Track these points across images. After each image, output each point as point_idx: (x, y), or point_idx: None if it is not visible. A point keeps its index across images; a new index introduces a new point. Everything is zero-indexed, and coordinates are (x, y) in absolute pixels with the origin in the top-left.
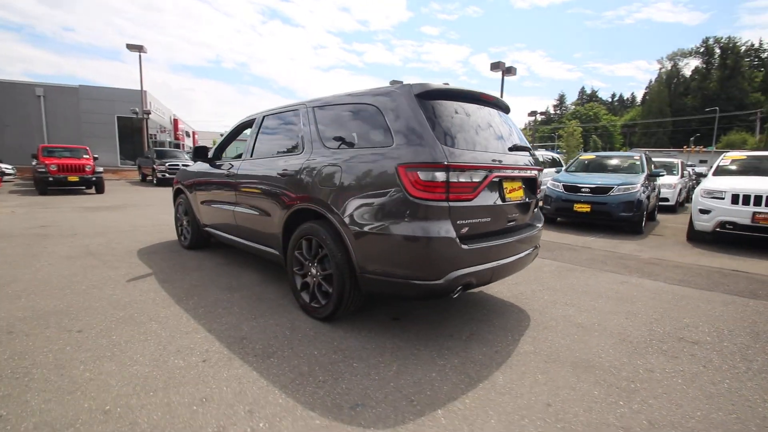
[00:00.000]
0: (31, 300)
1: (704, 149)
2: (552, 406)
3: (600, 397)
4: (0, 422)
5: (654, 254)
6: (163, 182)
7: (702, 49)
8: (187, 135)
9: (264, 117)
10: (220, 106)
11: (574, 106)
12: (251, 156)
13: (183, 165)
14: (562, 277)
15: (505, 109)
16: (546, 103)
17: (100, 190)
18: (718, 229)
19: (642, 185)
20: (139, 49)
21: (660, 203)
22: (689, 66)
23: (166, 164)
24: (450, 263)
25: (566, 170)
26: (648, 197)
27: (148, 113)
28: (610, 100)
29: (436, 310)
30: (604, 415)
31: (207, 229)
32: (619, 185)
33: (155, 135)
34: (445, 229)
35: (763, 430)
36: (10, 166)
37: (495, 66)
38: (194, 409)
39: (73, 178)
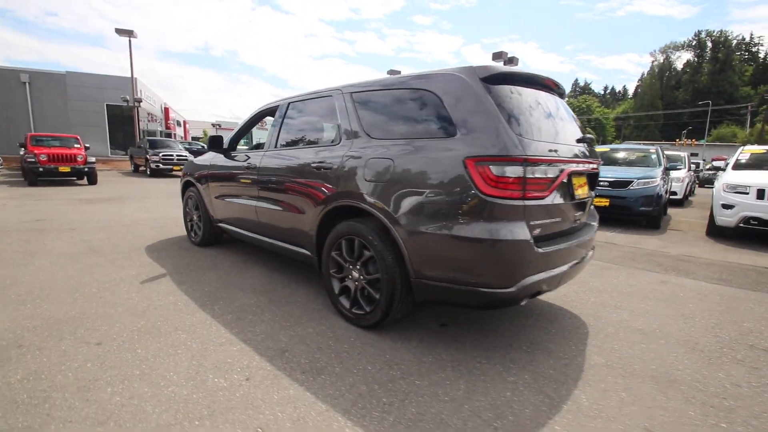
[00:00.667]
0: (38, 306)
1: (696, 142)
2: None
3: (699, 419)
4: None
5: (681, 251)
6: (156, 173)
7: (694, 43)
8: (178, 124)
9: (289, 104)
10: (209, 94)
11: (567, 99)
12: (276, 147)
13: (186, 155)
14: (601, 276)
15: (562, 94)
16: None
17: (92, 181)
18: (741, 225)
19: (661, 179)
20: (129, 33)
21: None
22: (681, 59)
23: (160, 154)
24: (523, 269)
25: None
26: (665, 191)
27: (140, 101)
28: (602, 92)
29: (484, 315)
30: None
31: (221, 225)
32: (639, 179)
33: (146, 123)
34: (520, 230)
35: None
36: None
37: (497, 56)
38: None
39: (65, 169)
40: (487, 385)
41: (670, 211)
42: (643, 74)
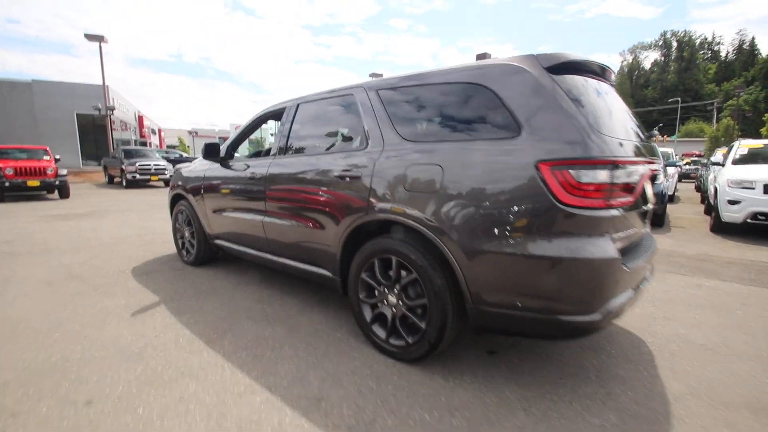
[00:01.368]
0: (9, 351)
1: (667, 138)
2: None
3: None
4: None
5: (695, 249)
6: (133, 184)
7: (660, 43)
8: (153, 132)
9: (299, 105)
10: (184, 102)
11: None
12: (285, 153)
13: (164, 165)
14: None
15: (614, 85)
16: None
17: (64, 194)
18: (749, 221)
19: (663, 175)
20: (99, 39)
21: None
22: (649, 59)
23: (137, 164)
24: (610, 290)
25: None
26: (667, 188)
27: (113, 109)
28: None
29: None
30: None
31: (218, 242)
32: None
33: (119, 131)
34: (608, 246)
35: None
36: None
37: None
38: None
39: (33, 183)
40: None
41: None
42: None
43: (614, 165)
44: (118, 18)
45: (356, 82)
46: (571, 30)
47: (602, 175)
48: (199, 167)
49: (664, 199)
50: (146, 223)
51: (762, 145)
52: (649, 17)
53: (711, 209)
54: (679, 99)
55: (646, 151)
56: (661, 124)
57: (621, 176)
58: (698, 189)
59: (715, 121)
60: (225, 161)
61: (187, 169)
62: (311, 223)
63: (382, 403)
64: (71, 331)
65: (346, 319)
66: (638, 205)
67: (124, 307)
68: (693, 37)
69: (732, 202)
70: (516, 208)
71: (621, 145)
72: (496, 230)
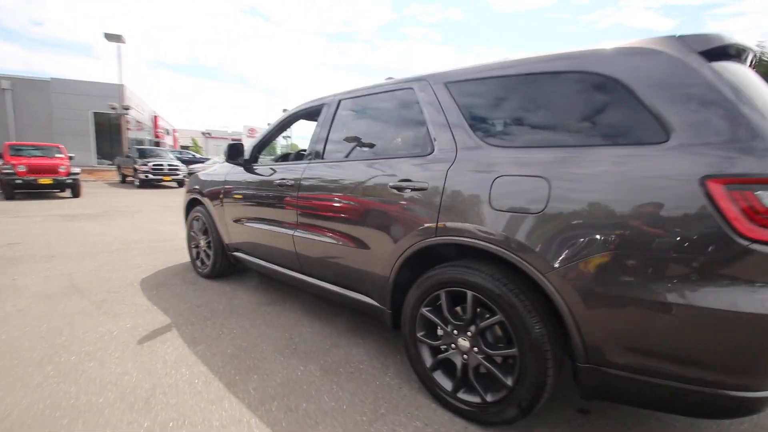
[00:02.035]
0: None
1: None
2: None
3: None
4: None
5: None
6: (146, 184)
7: None
8: (167, 133)
9: (340, 102)
10: (199, 103)
11: None
12: (324, 158)
13: (178, 165)
14: None
15: None
16: None
17: (76, 193)
18: None
19: None
20: (117, 38)
21: None
22: None
23: (150, 164)
24: None
25: None
26: None
27: (128, 109)
28: None
29: None
30: None
31: (238, 254)
32: None
33: (134, 132)
34: None
35: None
36: None
37: None
38: None
39: (46, 181)
40: None
41: None
42: None
43: None
44: (140, 21)
45: (416, 74)
46: (585, 40)
47: None
48: (219, 171)
49: None
50: (158, 226)
51: None
52: (665, 28)
53: None
54: None
55: None
56: None
57: None
58: None
59: None
60: (249, 165)
61: (205, 173)
62: (354, 242)
63: None
64: (67, 364)
65: (392, 356)
66: None
67: (130, 332)
68: None
69: None
70: (668, 241)
71: None
72: (634, 269)
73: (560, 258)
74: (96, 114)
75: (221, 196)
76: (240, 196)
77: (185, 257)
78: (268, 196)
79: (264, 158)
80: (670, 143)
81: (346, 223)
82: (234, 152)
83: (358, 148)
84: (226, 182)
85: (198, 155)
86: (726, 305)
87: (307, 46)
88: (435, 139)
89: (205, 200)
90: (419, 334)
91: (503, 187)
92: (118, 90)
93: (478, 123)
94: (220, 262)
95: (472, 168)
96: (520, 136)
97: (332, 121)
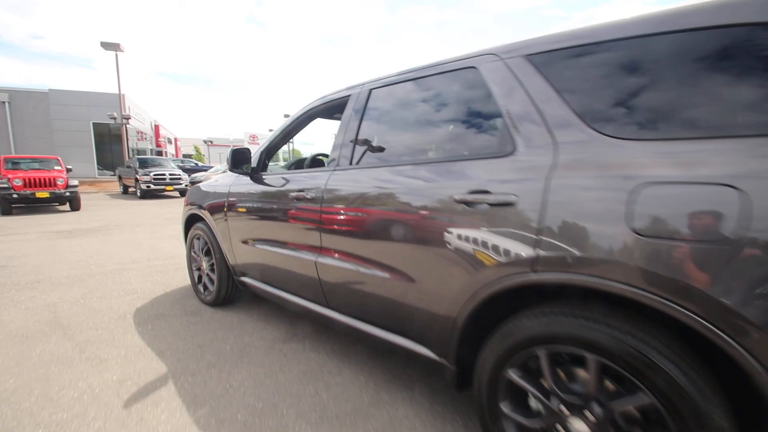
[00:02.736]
0: None
1: None
2: None
3: None
4: None
5: None
6: (147, 194)
7: None
8: (169, 142)
9: (371, 92)
10: (200, 112)
11: None
12: (353, 163)
13: (179, 174)
14: None
15: None
16: None
17: (75, 206)
18: None
19: None
20: (115, 47)
21: None
22: None
23: (151, 174)
24: None
25: None
26: None
27: (128, 118)
28: None
29: None
30: None
31: (246, 281)
32: None
33: (135, 142)
34: None
35: None
36: None
37: None
38: None
39: (43, 195)
40: None
41: None
42: None
43: None
44: (139, 33)
45: (480, 49)
46: None
47: None
48: (223, 181)
49: None
50: (157, 242)
51: None
52: None
53: None
54: None
55: None
56: None
57: None
58: None
59: None
60: (257, 174)
61: (206, 183)
62: (400, 273)
63: None
64: None
65: (452, 419)
66: None
67: (116, 389)
68: None
69: None
70: None
71: None
72: None
73: None
74: (96, 124)
75: (225, 210)
76: (247, 212)
77: (186, 279)
78: (282, 212)
79: (272, 165)
80: None
81: (388, 249)
82: (238, 159)
83: (399, 149)
84: (230, 194)
85: (200, 163)
86: None
87: (304, 51)
88: (517, 133)
89: (207, 216)
90: (503, 406)
91: (655, 201)
92: (118, 99)
93: (590, 106)
94: (225, 288)
95: (592, 172)
96: (675, 121)
97: (362, 116)
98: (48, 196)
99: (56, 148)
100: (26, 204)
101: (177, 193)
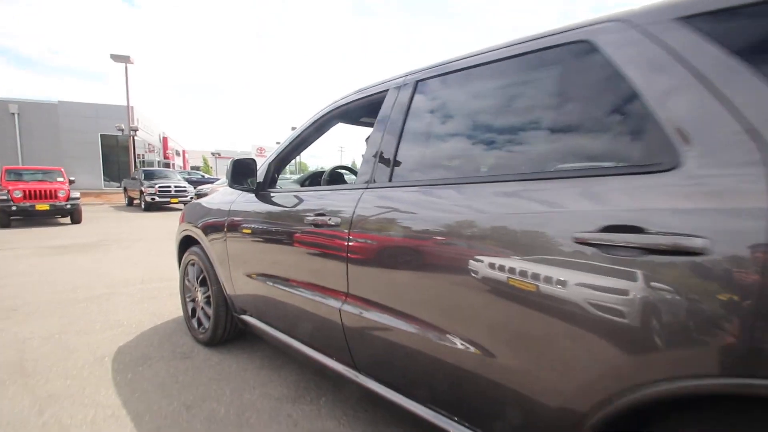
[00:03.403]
0: None
1: None
2: None
3: None
4: None
5: None
6: (151, 207)
7: None
8: (177, 154)
9: (418, 84)
10: (209, 124)
11: None
12: (394, 178)
13: (185, 186)
14: None
15: None
16: None
17: (76, 219)
18: None
19: None
20: (125, 59)
21: None
22: None
23: (156, 186)
24: None
25: None
26: None
27: (136, 130)
28: None
29: None
30: None
31: (248, 319)
32: None
33: (143, 154)
34: None
35: None
36: None
37: None
38: None
39: (43, 207)
40: None
41: None
42: None
43: None
44: (152, 45)
45: (592, 17)
46: None
47: None
48: (223, 198)
49: None
50: (155, 259)
51: None
52: None
53: None
54: None
55: None
56: None
57: None
58: None
59: None
60: (264, 190)
61: (206, 200)
62: (476, 344)
63: None
64: None
65: None
66: None
67: None
68: None
69: None
70: None
71: None
72: None
73: None
74: (103, 136)
75: (224, 233)
76: (250, 237)
77: (180, 308)
78: (294, 240)
79: (281, 181)
80: None
81: (452, 305)
82: (241, 172)
83: (467, 161)
84: (230, 214)
85: (207, 175)
86: None
87: (316, 65)
88: (682, 137)
89: (203, 238)
90: None
91: None
92: (126, 111)
93: None
94: (223, 327)
95: None
96: None
97: (405, 117)
98: (48, 208)
99: (63, 160)
100: (25, 217)
101: (182, 206)
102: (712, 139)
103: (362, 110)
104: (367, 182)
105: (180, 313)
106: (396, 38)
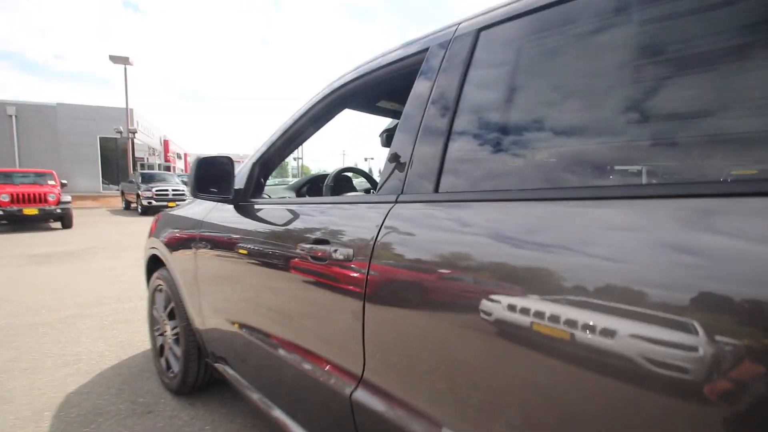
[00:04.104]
0: None
1: None
2: None
3: None
4: None
5: None
6: (148, 210)
7: None
8: (179, 157)
9: (481, 33)
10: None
11: None
12: (441, 187)
13: (184, 189)
14: None
15: None
16: None
17: (66, 224)
18: None
19: None
20: (124, 61)
21: None
22: None
23: (153, 189)
24: None
25: None
26: None
27: (134, 132)
28: None
29: None
30: None
31: (223, 369)
32: None
33: (146, 157)
34: None
35: None
36: None
37: None
38: None
39: (31, 211)
40: None
41: None
42: None
43: None
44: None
45: None
46: None
47: None
48: (194, 209)
49: None
50: (139, 273)
51: None
52: None
53: None
54: None
55: None
56: None
57: None
58: None
59: None
60: (244, 201)
61: (179, 210)
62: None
63: None
64: None
65: None
66: None
67: None
68: None
69: None
70: None
71: None
72: None
73: None
74: (102, 139)
75: (194, 256)
76: (226, 265)
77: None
78: (283, 277)
79: (269, 187)
80: None
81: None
82: (210, 175)
83: (580, 156)
84: (202, 229)
85: None
86: None
87: (320, 68)
88: None
89: (168, 260)
90: None
91: None
92: (125, 114)
93: None
94: (194, 375)
95: None
96: None
97: (460, 89)
98: (37, 212)
99: (62, 163)
100: (12, 221)
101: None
102: None
103: (381, 88)
104: (396, 193)
105: (148, 347)
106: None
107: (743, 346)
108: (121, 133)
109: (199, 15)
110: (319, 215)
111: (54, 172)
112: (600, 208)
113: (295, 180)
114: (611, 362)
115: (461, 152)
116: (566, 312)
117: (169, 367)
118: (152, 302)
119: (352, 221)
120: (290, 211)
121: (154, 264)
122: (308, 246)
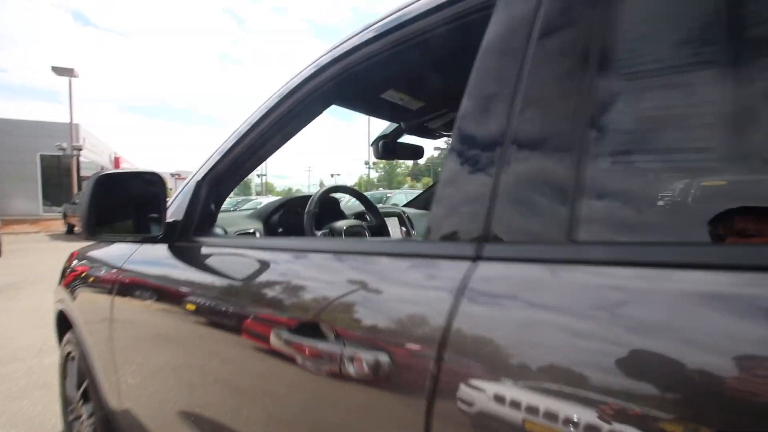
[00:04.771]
0: None
1: None
2: None
3: None
4: None
5: None
6: None
7: None
8: None
9: None
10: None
11: None
12: (569, 233)
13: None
14: None
15: None
16: None
17: None
18: None
19: None
20: (69, 73)
21: None
22: None
23: None
24: None
25: None
26: None
27: (80, 149)
28: None
29: None
30: None
31: None
32: None
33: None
34: None
35: None
36: None
37: None
38: None
39: None
40: None
41: None
42: None
43: None
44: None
45: None
46: None
47: None
48: (113, 250)
49: None
50: None
51: None
52: None
53: None
54: None
55: None
56: None
57: None
58: None
59: None
60: (186, 240)
61: (98, 249)
62: None
63: None
64: None
65: None
66: None
67: None
68: None
69: None
70: None
71: None
72: None
73: None
74: (44, 157)
75: (108, 317)
76: (154, 333)
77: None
78: (258, 373)
79: (223, 214)
80: None
81: None
82: (119, 204)
83: None
84: (120, 276)
85: None
86: None
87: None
88: None
89: (78, 320)
90: None
91: None
92: (69, 130)
93: None
94: None
95: None
96: None
97: (602, 45)
98: None
99: None
100: None
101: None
102: None
103: (393, 67)
104: (473, 239)
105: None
106: None
107: None
108: (64, 150)
109: (159, 27)
110: (316, 270)
111: None
112: None
113: (262, 205)
114: None
115: (617, 168)
116: None
117: None
118: (63, 374)
119: (387, 288)
120: (262, 261)
121: (63, 324)
122: (299, 340)
